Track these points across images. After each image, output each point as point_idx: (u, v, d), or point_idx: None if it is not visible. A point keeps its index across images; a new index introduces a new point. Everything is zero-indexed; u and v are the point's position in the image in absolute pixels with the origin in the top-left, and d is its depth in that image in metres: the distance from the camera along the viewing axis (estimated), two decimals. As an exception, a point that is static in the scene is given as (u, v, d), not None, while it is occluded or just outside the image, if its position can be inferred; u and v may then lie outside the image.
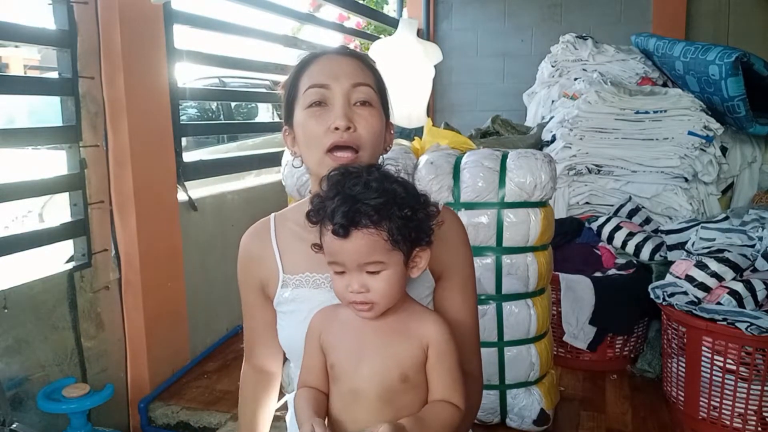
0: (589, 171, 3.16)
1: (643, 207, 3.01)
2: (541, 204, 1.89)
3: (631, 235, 2.73)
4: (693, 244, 2.35)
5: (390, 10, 6.08)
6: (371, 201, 0.87)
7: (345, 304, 0.93)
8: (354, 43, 4.89)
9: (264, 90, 4.97)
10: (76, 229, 2.01)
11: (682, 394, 2.02)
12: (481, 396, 1.12)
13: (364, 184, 0.89)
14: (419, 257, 0.93)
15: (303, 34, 4.05)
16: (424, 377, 0.92)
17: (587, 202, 3.17)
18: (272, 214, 1.14)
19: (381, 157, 1.07)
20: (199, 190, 2.58)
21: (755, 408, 1.86)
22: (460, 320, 1.06)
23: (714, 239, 2.34)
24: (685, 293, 2.06)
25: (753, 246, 2.24)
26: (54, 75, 2.03)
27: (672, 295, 2.05)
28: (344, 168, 0.94)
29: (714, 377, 1.91)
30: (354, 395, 0.93)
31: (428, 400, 0.93)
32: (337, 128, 0.98)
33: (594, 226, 2.84)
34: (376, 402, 0.91)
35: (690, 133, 3.01)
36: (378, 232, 0.87)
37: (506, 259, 1.88)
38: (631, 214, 2.95)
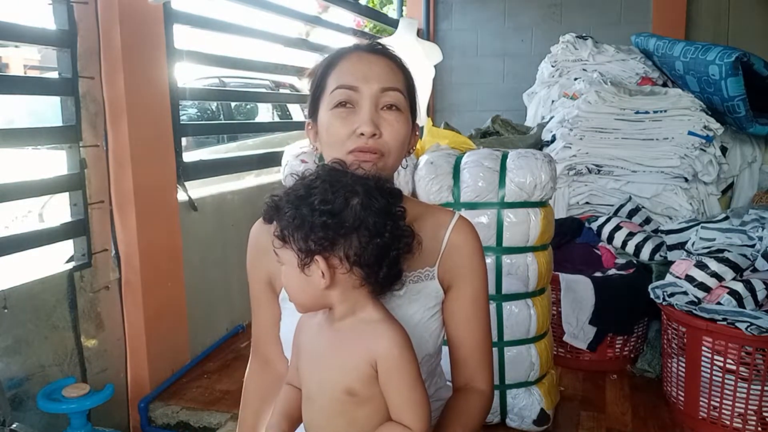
0: (589, 171, 3.16)
1: (643, 207, 3.01)
2: (541, 204, 1.89)
3: (631, 235, 2.73)
4: (693, 244, 2.35)
5: (390, 9, 6.08)
6: (277, 195, 0.89)
7: None
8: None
9: (264, 90, 4.97)
10: (76, 229, 2.01)
11: (682, 394, 2.02)
12: (487, 412, 1.08)
13: (297, 184, 0.89)
14: (315, 267, 0.85)
15: (313, 36, 4.04)
16: (380, 391, 0.87)
17: (587, 202, 3.17)
18: None
19: (405, 159, 1.05)
20: (199, 190, 2.58)
21: (755, 408, 1.86)
22: (468, 334, 1.04)
23: (714, 239, 2.34)
24: (685, 293, 2.06)
25: (753, 246, 2.24)
26: (54, 75, 2.03)
27: (672, 295, 2.05)
28: (329, 165, 0.92)
29: (714, 377, 1.91)
30: (309, 401, 0.92)
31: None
32: (362, 134, 0.96)
33: (594, 226, 2.84)
34: (325, 411, 0.89)
35: (690, 133, 3.01)
36: (275, 225, 0.88)
37: (506, 259, 1.88)
38: (631, 214, 2.95)
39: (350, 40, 4.15)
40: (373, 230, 0.85)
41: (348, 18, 4.97)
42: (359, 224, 0.84)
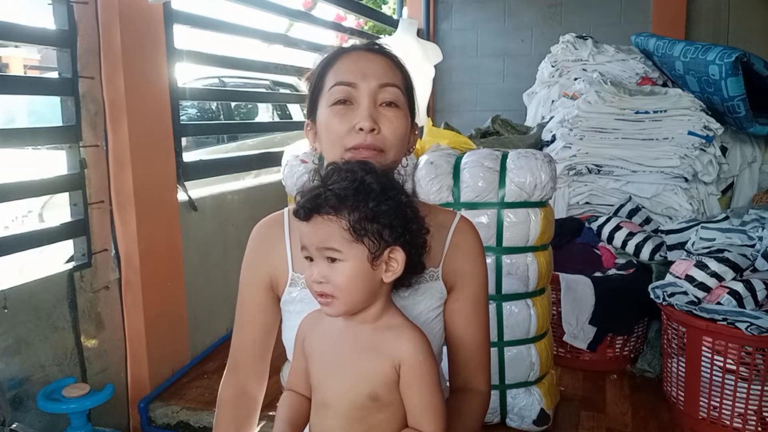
0: (589, 171, 3.15)
1: (643, 207, 3.01)
2: (541, 204, 1.89)
3: (631, 235, 2.73)
4: (693, 244, 2.35)
5: (389, 9, 6.07)
6: (337, 189, 0.85)
7: (313, 295, 0.90)
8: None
9: (264, 90, 4.97)
10: (76, 229, 2.01)
11: (682, 394, 2.02)
12: (485, 413, 1.08)
13: (344, 175, 0.87)
14: (393, 260, 0.87)
15: (296, 32, 4.03)
16: (400, 396, 0.87)
17: (587, 202, 3.17)
18: (285, 208, 1.10)
19: (404, 158, 1.05)
20: (199, 190, 2.58)
21: (755, 408, 1.86)
22: (468, 335, 1.05)
23: (714, 239, 2.34)
24: (685, 293, 2.06)
25: (753, 246, 2.24)
26: (54, 75, 2.03)
27: (672, 295, 2.05)
28: (343, 162, 0.92)
29: (714, 377, 1.91)
30: (325, 408, 0.91)
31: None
32: (361, 129, 0.96)
33: (594, 226, 2.83)
34: (344, 418, 0.88)
35: (690, 133, 3.01)
36: (338, 219, 0.84)
37: (506, 259, 1.88)
38: (631, 214, 2.95)
39: (341, 38, 4.15)
40: (422, 225, 0.90)
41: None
42: (414, 219, 0.89)
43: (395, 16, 5.08)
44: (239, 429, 1.09)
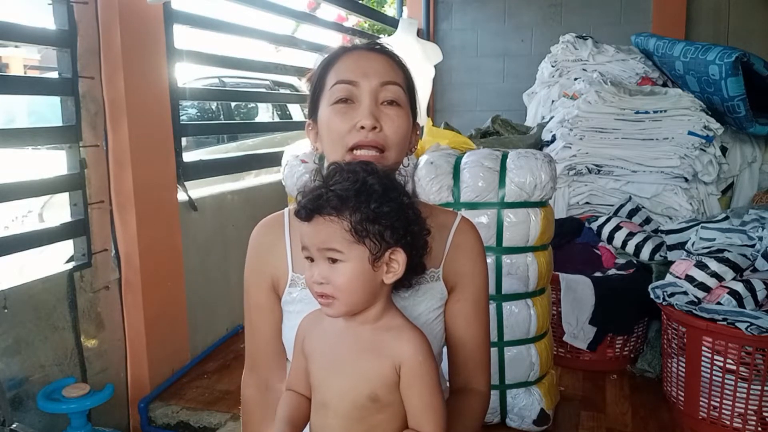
0: (589, 171, 3.16)
1: (643, 207, 3.01)
2: (541, 204, 1.89)
3: (631, 235, 2.73)
4: (693, 244, 2.35)
5: (390, 9, 6.07)
6: (338, 189, 0.85)
7: (314, 296, 0.90)
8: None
9: (264, 90, 4.97)
10: (76, 229, 2.01)
11: (682, 394, 2.02)
12: (485, 413, 1.08)
13: (346, 176, 0.87)
14: (394, 261, 0.87)
15: (301, 33, 4.04)
16: (400, 396, 0.87)
17: (587, 202, 3.17)
18: (286, 209, 1.10)
19: (406, 158, 1.04)
20: (199, 190, 2.58)
21: (755, 408, 1.86)
22: (469, 335, 1.04)
23: (714, 239, 2.34)
24: (685, 293, 2.06)
25: (753, 246, 2.24)
26: (54, 75, 2.03)
27: (672, 295, 2.05)
28: (345, 162, 0.92)
29: (714, 377, 1.91)
30: (324, 408, 0.91)
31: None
32: (362, 127, 0.96)
33: (594, 226, 2.84)
34: (344, 418, 0.88)
35: (690, 133, 3.01)
36: (339, 220, 0.84)
37: (506, 259, 1.88)
38: (631, 214, 2.95)
39: (343, 39, 4.14)
40: (423, 227, 0.90)
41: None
42: (416, 220, 0.89)
43: (395, 16, 5.07)
44: (270, 424, 1.08)
